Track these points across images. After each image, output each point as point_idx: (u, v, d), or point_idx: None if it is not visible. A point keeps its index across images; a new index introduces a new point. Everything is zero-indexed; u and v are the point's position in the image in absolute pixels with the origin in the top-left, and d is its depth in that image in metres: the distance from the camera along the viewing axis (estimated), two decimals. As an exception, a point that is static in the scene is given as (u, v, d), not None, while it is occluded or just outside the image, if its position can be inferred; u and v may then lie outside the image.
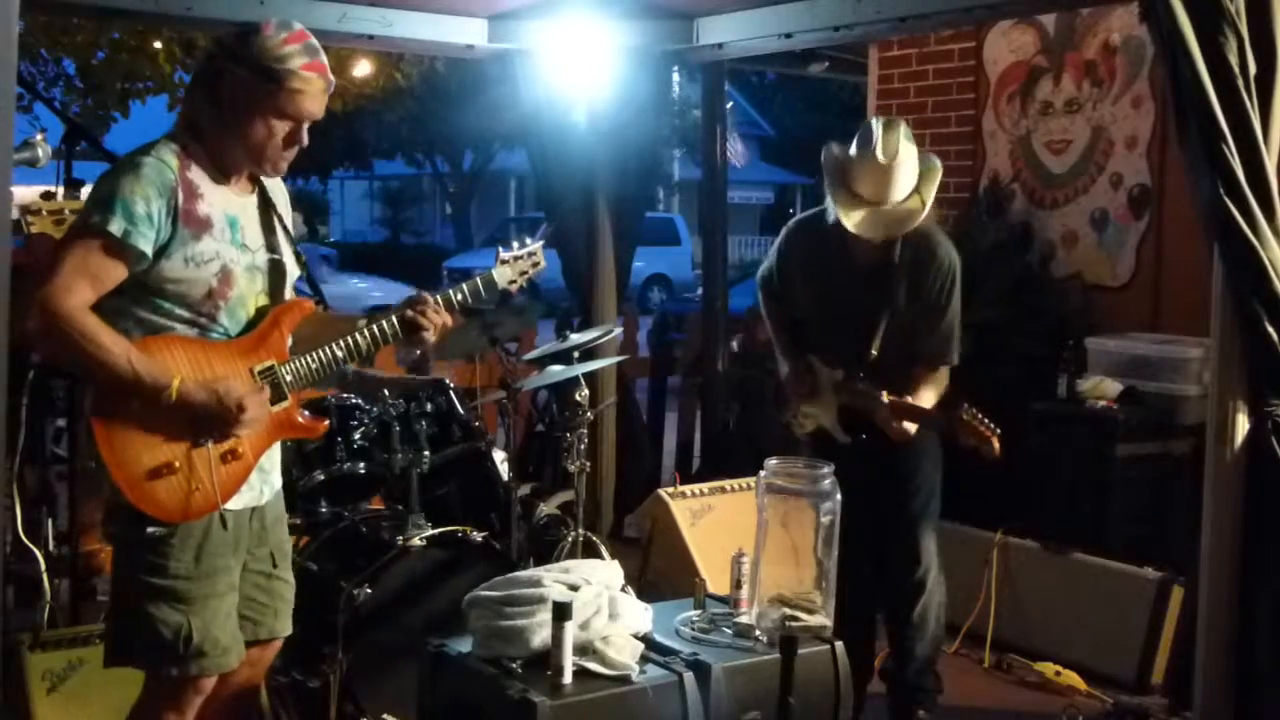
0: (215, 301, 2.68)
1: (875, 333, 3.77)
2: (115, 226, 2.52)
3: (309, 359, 2.78)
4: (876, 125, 3.65)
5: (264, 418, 2.72)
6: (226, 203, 2.71)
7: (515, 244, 3.11)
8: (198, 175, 2.66)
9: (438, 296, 2.91)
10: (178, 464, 2.62)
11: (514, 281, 3.08)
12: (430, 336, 2.85)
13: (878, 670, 4.14)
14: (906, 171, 3.65)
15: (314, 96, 2.68)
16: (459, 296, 2.94)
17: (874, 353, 3.77)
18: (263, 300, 2.79)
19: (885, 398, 3.67)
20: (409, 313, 2.84)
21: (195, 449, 2.64)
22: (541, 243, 3.19)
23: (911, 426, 3.71)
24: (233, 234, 2.71)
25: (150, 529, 2.62)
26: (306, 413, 2.85)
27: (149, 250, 2.57)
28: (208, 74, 2.71)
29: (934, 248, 3.79)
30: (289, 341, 2.79)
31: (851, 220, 3.62)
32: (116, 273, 2.57)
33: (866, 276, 3.78)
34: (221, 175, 2.72)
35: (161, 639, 2.66)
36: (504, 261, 3.08)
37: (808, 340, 4.00)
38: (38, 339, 2.56)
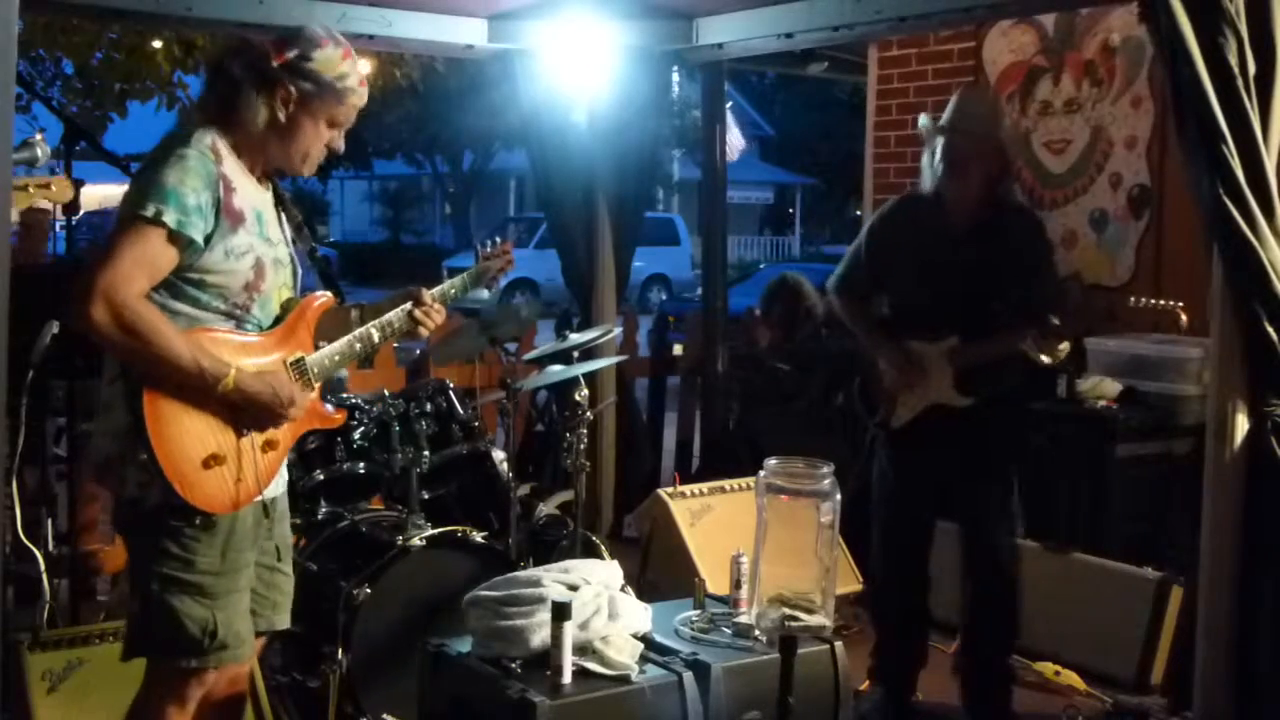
0: (251, 294, 2.71)
1: (989, 295, 3.83)
2: (170, 218, 2.53)
3: (331, 351, 2.86)
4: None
5: (305, 410, 2.78)
6: (253, 197, 2.74)
7: (489, 243, 3.44)
8: (230, 168, 2.68)
9: (435, 292, 3.02)
10: (225, 455, 2.65)
11: (494, 277, 3.39)
12: (425, 334, 3.03)
13: (952, 667, 4.23)
14: (979, 100, 4.08)
15: (360, 107, 2.83)
16: (453, 291, 3.13)
17: (993, 310, 3.82)
18: (286, 293, 2.84)
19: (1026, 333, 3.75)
20: (417, 312, 2.94)
21: (240, 439, 2.68)
22: (513, 240, 3.61)
23: (1062, 346, 3.78)
24: (260, 227, 2.74)
25: (198, 520, 2.64)
26: (329, 405, 2.94)
27: (201, 241, 2.59)
28: (258, 78, 2.70)
29: (1029, 215, 4.15)
30: (314, 334, 2.85)
31: (941, 134, 3.84)
32: (170, 264, 2.58)
33: (970, 240, 3.85)
34: (247, 170, 2.75)
35: (187, 633, 2.68)
36: (486, 258, 3.43)
37: (902, 324, 4.01)
38: (99, 328, 2.50)
